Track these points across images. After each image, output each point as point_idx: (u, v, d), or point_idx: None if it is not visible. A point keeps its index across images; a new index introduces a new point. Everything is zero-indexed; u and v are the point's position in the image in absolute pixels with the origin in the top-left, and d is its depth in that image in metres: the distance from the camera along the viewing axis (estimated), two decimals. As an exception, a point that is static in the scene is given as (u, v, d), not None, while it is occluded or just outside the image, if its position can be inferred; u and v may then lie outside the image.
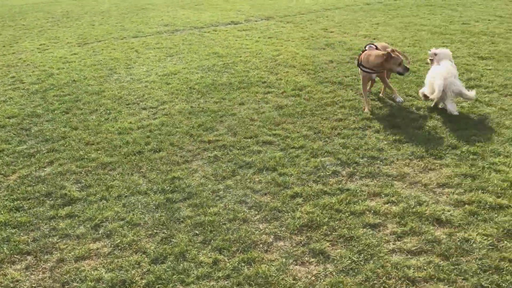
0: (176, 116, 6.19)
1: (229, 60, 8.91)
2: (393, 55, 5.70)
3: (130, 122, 6.09)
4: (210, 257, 3.41)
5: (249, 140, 5.38)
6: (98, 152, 5.29)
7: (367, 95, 6.29)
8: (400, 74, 5.88)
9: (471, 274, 3.11)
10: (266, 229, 3.74)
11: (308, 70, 8.02)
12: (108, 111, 6.55)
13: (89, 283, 3.23)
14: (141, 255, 3.49)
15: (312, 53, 9.14)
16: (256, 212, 3.98)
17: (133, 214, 4.02)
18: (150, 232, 3.77)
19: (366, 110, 6.00)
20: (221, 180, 4.54)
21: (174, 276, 3.24)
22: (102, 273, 3.33)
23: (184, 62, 9.00)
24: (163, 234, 3.73)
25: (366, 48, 6.20)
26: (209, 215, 3.94)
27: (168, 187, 4.43)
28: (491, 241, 3.43)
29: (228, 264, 3.34)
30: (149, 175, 4.69)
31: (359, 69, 6.21)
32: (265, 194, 4.26)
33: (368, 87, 6.53)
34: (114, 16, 15.32)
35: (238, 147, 5.20)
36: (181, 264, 3.35)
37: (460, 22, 11.31)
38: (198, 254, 3.45)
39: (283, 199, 4.13)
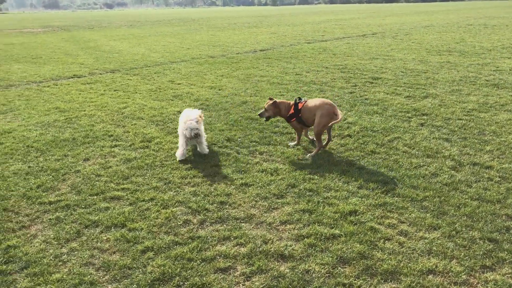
0: (10, 179, 5.66)
1: (72, 114, 8.53)
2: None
3: (-46, 189, 5.38)
4: (52, 329, 3.13)
5: (95, 197, 5.16)
6: None
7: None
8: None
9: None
10: (116, 289, 3.59)
11: (157, 121, 8.08)
12: None
13: None
14: None
15: (160, 105, 9.24)
16: (105, 273, 3.81)
17: (-43, 295, 3.52)
18: (-21, 312, 3.33)
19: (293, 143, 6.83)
20: (64, 243, 4.25)
21: None
22: None
23: (20, 119, 8.34)
24: (-5, 312, 3.32)
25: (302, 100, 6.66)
26: (51, 283, 3.64)
27: (1, 258, 3.99)
28: (327, 269, 3.79)
29: (73, 333, 3.11)
30: (-23, 247, 4.18)
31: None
32: (114, 252, 4.11)
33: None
34: None
35: (83, 206, 4.95)
36: None
37: (294, 73, 12.59)
38: (38, 328, 3.15)
39: (134, 255, 4.03)
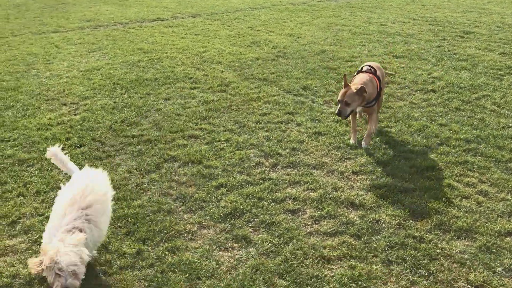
0: (98, 112, 6.06)
1: (155, 56, 8.82)
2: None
3: (50, 118, 5.87)
4: (133, 248, 3.41)
5: (174, 134, 5.39)
6: (15, 148, 5.05)
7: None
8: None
9: (380, 250, 3.37)
10: (191, 218, 3.80)
11: (235, 66, 8.14)
12: (26, 107, 6.27)
13: (5, 279, 3.12)
14: (61, 250, 3.42)
15: (238, 50, 9.27)
16: (181, 203, 4.03)
17: (53, 210, 3.91)
18: (71, 227, 3.69)
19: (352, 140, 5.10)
20: (145, 173, 4.53)
21: (96, 267, 3.21)
22: (19, 269, 3.22)
23: (107, 57, 8.78)
24: (84, 228, 3.67)
25: (363, 69, 5.15)
26: (133, 208, 3.93)
27: (90, 182, 4.35)
28: (398, 220, 3.73)
29: (151, 253, 3.37)
30: (70, 170, 4.57)
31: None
32: (190, 186, 4.32)
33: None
34: (32, 10, 14.55)
35: (163, 142, 5.20)
36: (104, 256, 3.33)
37: (378, 24, 11.99)
38: (121, 246, 3.44)
39: (208, 190, 4.21)
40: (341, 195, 4.09)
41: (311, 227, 3.68)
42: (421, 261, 3.26)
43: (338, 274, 3.14)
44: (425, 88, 6.88)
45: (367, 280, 3.09)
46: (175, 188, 4.27)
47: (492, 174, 4.41)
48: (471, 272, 3.15)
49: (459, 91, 6.70)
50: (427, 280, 3.09)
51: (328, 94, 6.71)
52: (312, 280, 3.10)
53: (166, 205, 3.99)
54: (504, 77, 7.34)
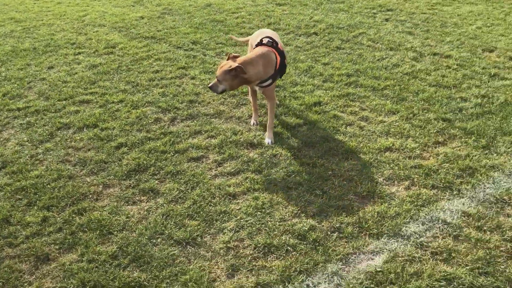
0: (-26, 88, 5.57)
1: (30, 24, 8.18)
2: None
3: None
4: (37, 217, 3.34)
5: (64, 102, 5.18)
6: None
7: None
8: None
9: (279, 180, 3.66)
10: (94, 180, 3.78)
11: (119, 27, 7.85)
12: None
13: None
14: (-43, 232, 3.24)
15: (121, 11, 8.92)
16: (82, 168, 3.97)
17: None
18: (-37, 208, 3.49)
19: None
20: (38, 144, 4.35)
21: (0, 241, 3.11)
22: None
23: (-26, 30, 7.96)
24: (-20, 207, 3.49)
25: (263, 42, 4.29)
26: (30, 179, 3.79)
27: (-22, 160, 4.09)
28: (293, 152, 4.04)
29: (58, 218, 3.33)
30: (-49, 152, 4.24)
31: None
32: (89, 149, 4.24)
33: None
34: None
35: (53, 110, 4.98)
36: (6, 229, 3.22)
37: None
38: (24, 216, 3.35)
39: (108, 151, 4.18)
40: (241, 138, 4.29)
41: (215, 170, 3.86)
42: (315, 183, 3.60)
43: (244, 206, 3.38)
44: (308, 32, 7.25)
45: (270, 207, 3.36)
46: (72, 154, 4.17)
47: (371, 102, 4.89)
48: (358, 186, 3.57)
49: (339, 31, 7.17)
50: (322, 198, 3.44)
51: (218, 46, 6.80)
52: (221, 215, 3.31)
53: (66, 171, 3.90)
54: (377, 15, 7.96)
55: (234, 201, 3.47)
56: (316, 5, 8.78)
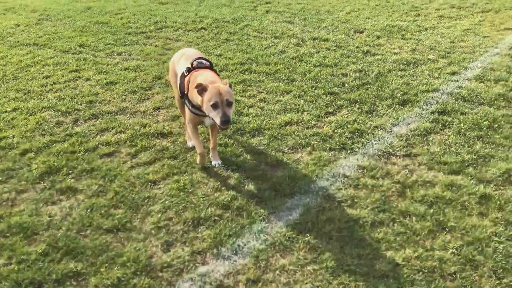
0: None
1: None
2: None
3: None
4: (-51, 231, 3.17)
5: (-51, 116, 4.82)
6: None
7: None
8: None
9: (196, 162, 3.88)
10: (4, 188, 3.65)
11: (-6, 36, 7.38)
12: None
13: None
14: None
15: (-8, 20, 8.35)
16: (-13, 178, 3.80)
17: None
18: None
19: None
20: None
21: None
22: None
23: None
24: None
25: (195, 65, 3.73)
26: None
27: None
28: (204, 136, 4.28)
29: (-27, 230, 3.19)
30: None
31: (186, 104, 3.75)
32: (-10, 160, 4.05)
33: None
34: None
35: None
36: None
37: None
38: None
39: (13, 159, 4.04)
40: (150, 130, 4.42)
41: (131, 162, 3.95)
42: (230, 160, 3.89)
43: (167, 189, 3.55)
44: (196, 27, 7.50)
45: (192, 187, 3.58)
46: (-27, 166, 3.96)
47: (266, 85, 5.30)
48: (268, 157, 3.93)
49: (225, 25, 7.53)
50: (238, 172, 3.74)
51: (108, 47, 6.77)
52: (146, 200, 3.44)
53: (-30, 184, 3.71)
54: (258, 8, 8.48)
55: (156, 186, 3.62)
56: (199, 2, 9.07)
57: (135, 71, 5.83)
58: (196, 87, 3.37)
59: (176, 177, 3.70)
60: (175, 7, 8.79)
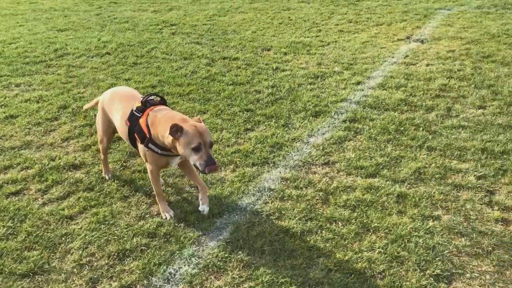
0: None
1: None
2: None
3: None
4: None
5: None
6: None
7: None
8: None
9: (114, 191, 3.68)
10: None
11: None
12: None
13: None
14: None
15: None
16: None
17: None
18: None
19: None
20: None
21: None
22: None
23: None
24: None
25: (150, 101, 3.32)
26: None
27: None
28: (120, 164, 4.09)
29: None
30: None
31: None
32: None
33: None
34: None
35: None
36: None
37: (28, 2, 11.43)
38: None
39: None
40: (60, 162, 4.13)
41: (42, 198, 3.65)
42: (149, 187, 3.75)
43: (86, 224, 3.32)
44: (100, 53, 7.23)
45: (112, 218, 3.38)
46: None
47: (181, 106, 5.22)
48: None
49: (131, 49, 7.35)
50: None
51: (4, 78, 6.29)
52: (63, 238, 3.18)
53: None
54: (163, 30, 8.40)
55: (73, 222, 3.37)
56: (100, 27, 8.79)
57: (38, 102, 5.45)
58: (171, 128, 2.90)
59: (94, 210, 3.48)
60: (75, 34, 8.41)
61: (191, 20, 9.05)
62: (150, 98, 3.32)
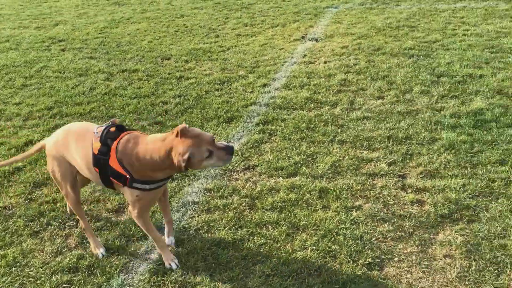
0: None
1: None
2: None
3: None
4: None
5: None
6: None
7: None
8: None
9: (22, 228, 3.32)
10: None
11: None
12: None
13: None
14: None
15: None
16: None
17: None
18: None
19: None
20: None
21: None
22: None
23: None
24: None
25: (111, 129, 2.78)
26: None
27: None
28: (25, 196, 3.71)
29: None
30: None
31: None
32: None
33: None
34: None
35: None
36: None
37: None
38: None
39: None
40: (-50, 204, 3.63)
41: None
42: (62, 214, 3.44)
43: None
44: (-19, 76, 6.53)
45: (24, 258, 3.04)
46: None
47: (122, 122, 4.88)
48: (107, 203, 3.59)
49: (17, 70, 6.74)
50: (76, 227, 3.32)
51: None
52: (-33, 291, 2.80)
53: None
54: (51, 47, 7.82)
55: (-23, 270, 2.97)
56: (-22, 48, 7.94)
57: None
58: (184, 161, 2.47)
59: (1, 252, 3.10)
60: None
61: (81, 34, 8.54)
62: (106, 130, 2.72)
